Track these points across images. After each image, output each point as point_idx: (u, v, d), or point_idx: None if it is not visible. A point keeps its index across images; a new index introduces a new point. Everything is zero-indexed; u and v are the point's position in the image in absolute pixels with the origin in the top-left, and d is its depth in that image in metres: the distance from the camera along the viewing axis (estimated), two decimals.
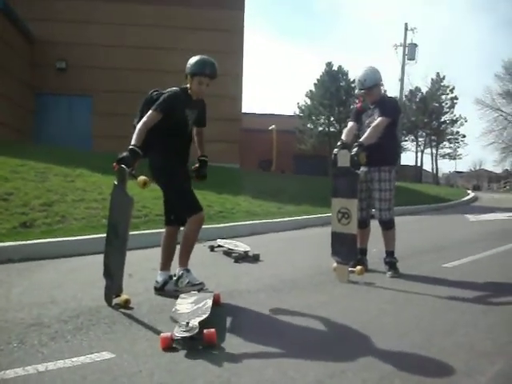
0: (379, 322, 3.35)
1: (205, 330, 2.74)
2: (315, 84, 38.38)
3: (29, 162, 8.85)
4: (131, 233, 3.76)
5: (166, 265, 4.05)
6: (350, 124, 5.19)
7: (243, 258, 5.56)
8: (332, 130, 37.67)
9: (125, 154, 3.50)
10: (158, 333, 2.93)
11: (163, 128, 3.82)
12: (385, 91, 5.19)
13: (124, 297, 3.51)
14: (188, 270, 3.93)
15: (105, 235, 5.80)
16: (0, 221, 5.80)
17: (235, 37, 17.33)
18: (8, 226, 5.72)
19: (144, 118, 3.76)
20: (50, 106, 16.38)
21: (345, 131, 5.15)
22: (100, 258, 5.14)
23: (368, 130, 4.80)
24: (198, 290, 3.74)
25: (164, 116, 3.78)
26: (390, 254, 5.03)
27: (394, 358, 2.68)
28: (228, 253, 5.83)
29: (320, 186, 14.88)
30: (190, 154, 4.09)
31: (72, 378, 2.30)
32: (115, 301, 3.52)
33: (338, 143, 4.81)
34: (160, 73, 16.26)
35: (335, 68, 38.06)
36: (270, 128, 25.07)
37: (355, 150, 4.60)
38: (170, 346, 2.69)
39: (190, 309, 3.10)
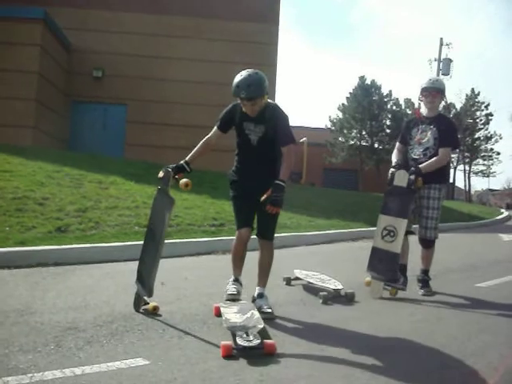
0: (410, 342, 3.29)
1: (265, 341, 2.83)
2: (347, 97, 38.28)
3: (64, 168, 9.02)
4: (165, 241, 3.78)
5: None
6: (398, 145, 5.14)
7: (334, 297, 4.41)
8: (363, 143, 37.51)
9: (174, 165, 3.71)
10: (191, 341, 2.96)
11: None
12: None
13: (153, 304, 3.54)
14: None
15: (138, 242, 5.96)
16: (36, 225, 5.92)
17: (269, 50, 17.38)
18: (43, 230, 5.83)
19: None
20: (86, 114, 16.65)
21: (394, 153, 5.11)
22: (133, 264, 5.22)
23: (431, 161, 4.70)
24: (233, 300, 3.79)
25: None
26: (424, 272, 4.95)
27: (422, 379, 2.65)
28: (310, 288, 4.78)
29: (350, 201, 14.78)
30: (262, 171, 3.79)
31: (109, 382, 2.33)
32: (144, 307, 3.56)
33: (394, 164, 4.84)
34: (193, 84, 16.46)
35: (368, 82, 37.94)
36: (301, 141, 25.01)
37: (412, 176, 4.57)
38: (230, 354, 2.73)
39: (240, 318, 3.13)
